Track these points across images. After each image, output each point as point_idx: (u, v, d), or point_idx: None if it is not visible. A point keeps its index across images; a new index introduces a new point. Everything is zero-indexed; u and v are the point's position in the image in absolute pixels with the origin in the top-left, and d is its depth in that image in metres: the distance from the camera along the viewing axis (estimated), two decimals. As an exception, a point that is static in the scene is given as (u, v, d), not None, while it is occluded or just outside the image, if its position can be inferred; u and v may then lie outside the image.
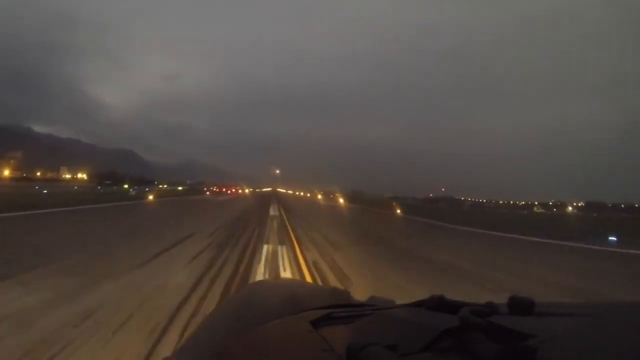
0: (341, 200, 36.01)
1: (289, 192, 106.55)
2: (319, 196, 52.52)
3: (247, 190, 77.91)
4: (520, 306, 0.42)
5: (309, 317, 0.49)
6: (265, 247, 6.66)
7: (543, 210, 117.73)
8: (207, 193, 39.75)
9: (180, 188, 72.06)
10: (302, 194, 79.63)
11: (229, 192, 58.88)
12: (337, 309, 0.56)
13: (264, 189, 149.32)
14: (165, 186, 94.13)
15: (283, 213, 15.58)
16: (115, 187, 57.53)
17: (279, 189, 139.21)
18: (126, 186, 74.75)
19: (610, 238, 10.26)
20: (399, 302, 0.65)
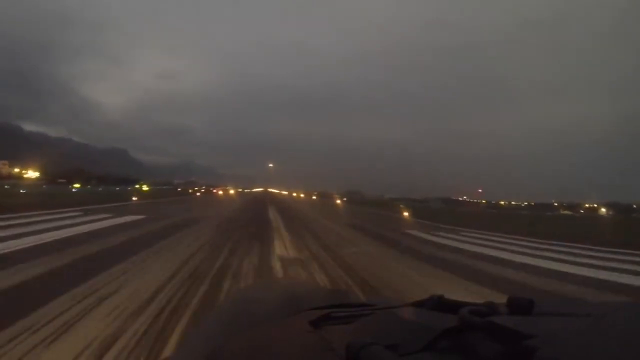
0: (406, 214, 17.35)
1: (284, 192, 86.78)
2: (338, 201, 33.81)
3: (232, 191, 59.36)
4: (519, 306, 0.41)
5: (309, 317, 0.48)
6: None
7: (571, 212, 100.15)
8: (134, 198, 19.89)
9: (145, 188, 60.37)
10: (302, 195, 60.40)
11: (197, 193, 39.92)
12: (336, 309, 0.54)
13: (254, 189, 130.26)
14: (144, 186, 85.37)
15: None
16: (44, 187, 40.32)
17: (270, 189, 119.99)
18: (77, 185, 59.49)
19: None
20: (399, 302, 0.63)
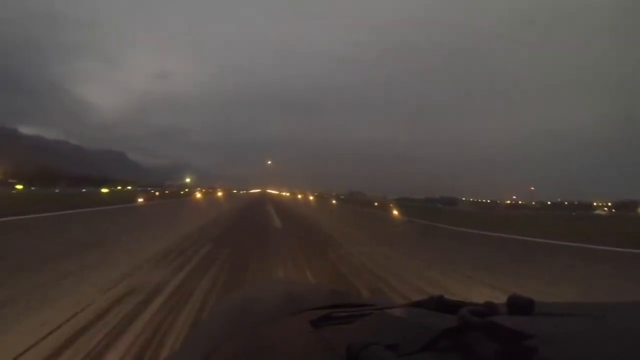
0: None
1: (285, 194, 72.55)
2: (395, 212, 18.97)
3: (219, 193, 45.86)
4: (519, 306, 0.41)
5: (309, 317, 0.48)
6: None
7: (606, 212, 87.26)
8: None
9: (104, 191, 45.90)
10: (312, 198, 45.90)
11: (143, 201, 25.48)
12: (337, 309, 0.55)
13: (252, 191, 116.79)
14: (129, 188, 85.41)
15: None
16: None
17: (269, 190, 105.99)
18: (19, 187, 54.41)
19: None
20: (399, 302, 0.62)
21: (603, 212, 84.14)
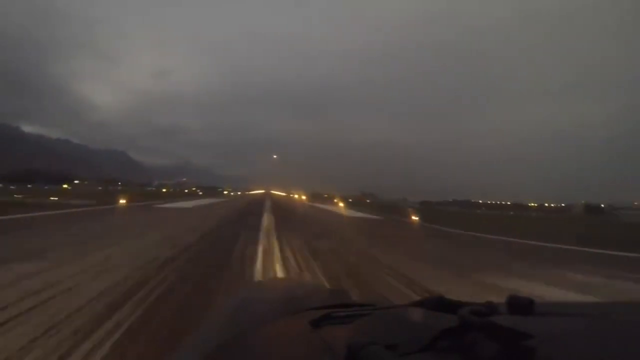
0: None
1: (297, 196, 56.80)
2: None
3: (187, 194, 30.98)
4: (519, 306, 0.41)
5: (308, 317, 0.48)
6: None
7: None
8: None
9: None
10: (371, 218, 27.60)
11: None
12: (336, 309, 0.54)
13: (251, 192, 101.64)
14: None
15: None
16: None
17: (274, 191, 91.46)
18: None
19: None
20: (398, 302, 0.62)
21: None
